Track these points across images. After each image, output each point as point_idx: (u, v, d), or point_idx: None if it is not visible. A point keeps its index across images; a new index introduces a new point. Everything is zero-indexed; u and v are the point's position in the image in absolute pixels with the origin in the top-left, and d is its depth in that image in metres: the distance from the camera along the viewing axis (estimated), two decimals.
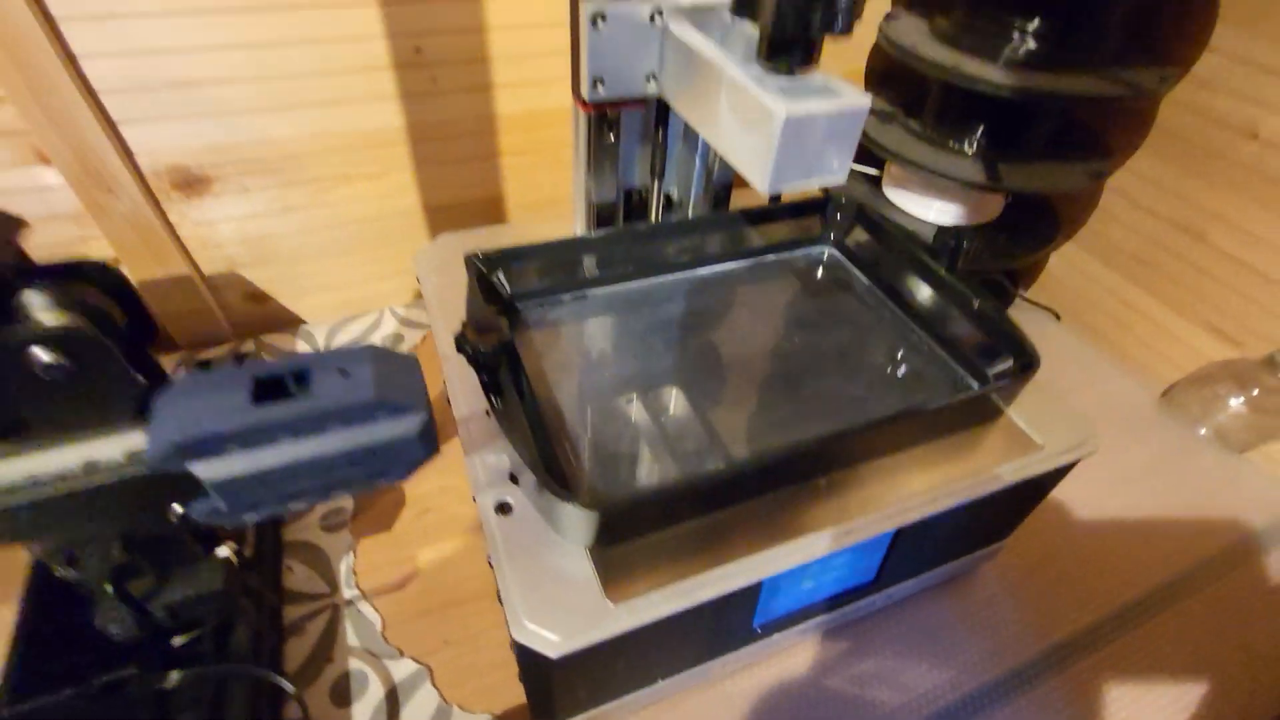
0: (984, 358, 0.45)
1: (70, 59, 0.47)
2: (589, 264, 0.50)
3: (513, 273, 0.47)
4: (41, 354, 0.22)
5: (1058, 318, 0.79)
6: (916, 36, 0.62)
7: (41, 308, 0.23)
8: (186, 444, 0.24)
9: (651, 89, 0.41)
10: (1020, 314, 0.79)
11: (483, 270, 0.45)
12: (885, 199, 0.72)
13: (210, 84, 0.52)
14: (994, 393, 0.41)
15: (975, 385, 0.45)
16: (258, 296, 0.67)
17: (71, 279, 0.25)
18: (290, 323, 0.70)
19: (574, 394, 0.43)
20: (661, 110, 0.45)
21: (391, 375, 0.27)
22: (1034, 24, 0.56)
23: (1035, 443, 0.41)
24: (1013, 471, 0.39)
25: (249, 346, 0.67)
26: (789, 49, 0.30)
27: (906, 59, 0.60)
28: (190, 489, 0.25)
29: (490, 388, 0.37)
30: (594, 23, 0.36)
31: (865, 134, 0.58)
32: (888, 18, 0.68)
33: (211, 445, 0.24)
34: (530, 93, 0.63)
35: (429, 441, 0.28)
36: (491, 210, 0.70)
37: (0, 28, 0.43)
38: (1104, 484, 0.59)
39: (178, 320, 0.64)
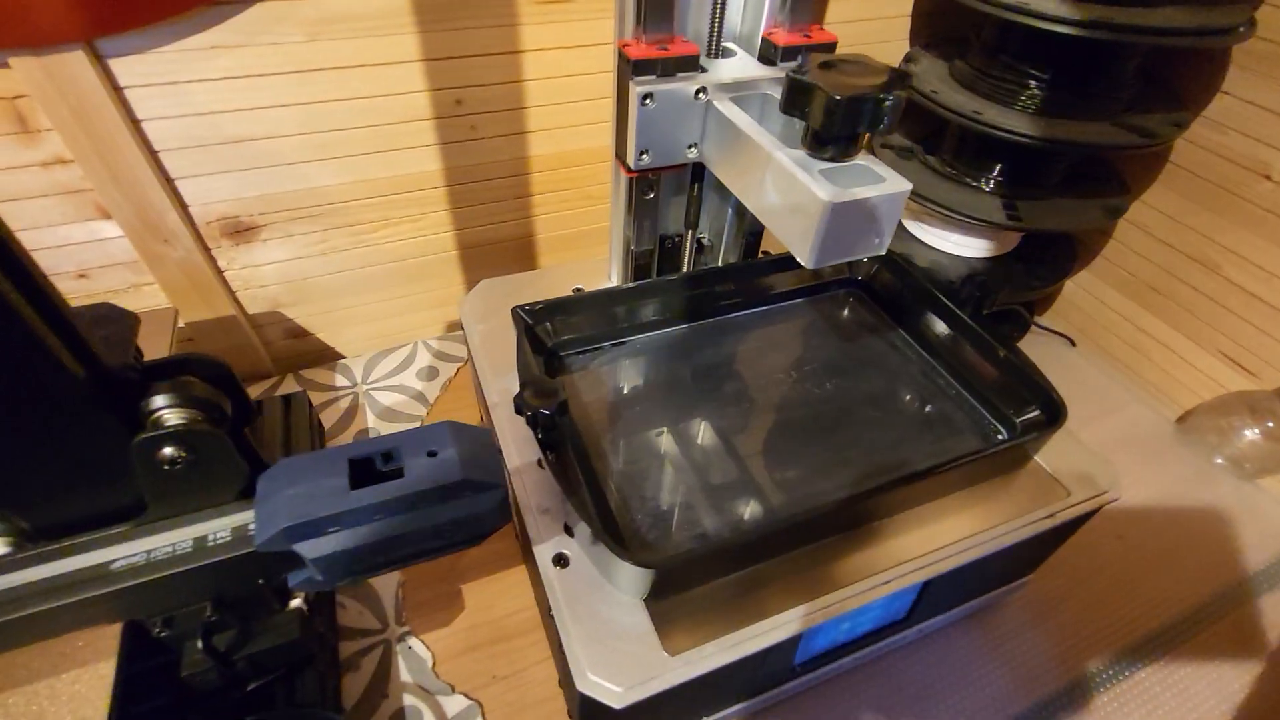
0: (1010, 405, 0.47)
1: (134, 123, 0.49)
2: (627, 313, 0.52)
3: (555, 324, 0.49)
4: (167, 449, 0.25)
5: (1073, 343, 0.80)
6: (936, 81, 0.64)
7: (165, 405, 0.25)
8: (293, 529, 0.26)
9: (692, 154, 0.43)
10: (1036, 339, 0.81)
11: (529, 322, 0.48)
12: (904, 229, 0.74)
13: (261, 139, 0.54)
14: (1025, 443, 0.43)
15: (1003, 432, 0.47)
16: (298, 333, 0.69)
17: (183, 372, 0.27)
18: (329, 356, 0.72)
19: (618, 443, 0.45)
20: (698, 168, 0.47)
21: (474, 453, 0.29)
22: (1050, 74, 0.57)
23: (1062, 488, 0.43)
24: (1040, 520, 0.41)
25: (290, 382, 0.69)
26: (835, 143, 0.32)
27: (925, 102, 0.62)
28: (291, 563, 0.27)
29: (545, 444, 0.39)
30: (643, 101, 0.39)
31: None
32: (907, 59, 0.69)
33: (314, 529, 0.26)
34: (562, 134, 0.65)
35: (505, 513, 0.30)
36: (524, 245, 0.72)
37: (74, 98, 0.46)
38: (1124, 512, 0.61)
39: (224, 358, 0.66)
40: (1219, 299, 0.67)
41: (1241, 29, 0.53)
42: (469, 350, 0.53)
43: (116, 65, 0.47)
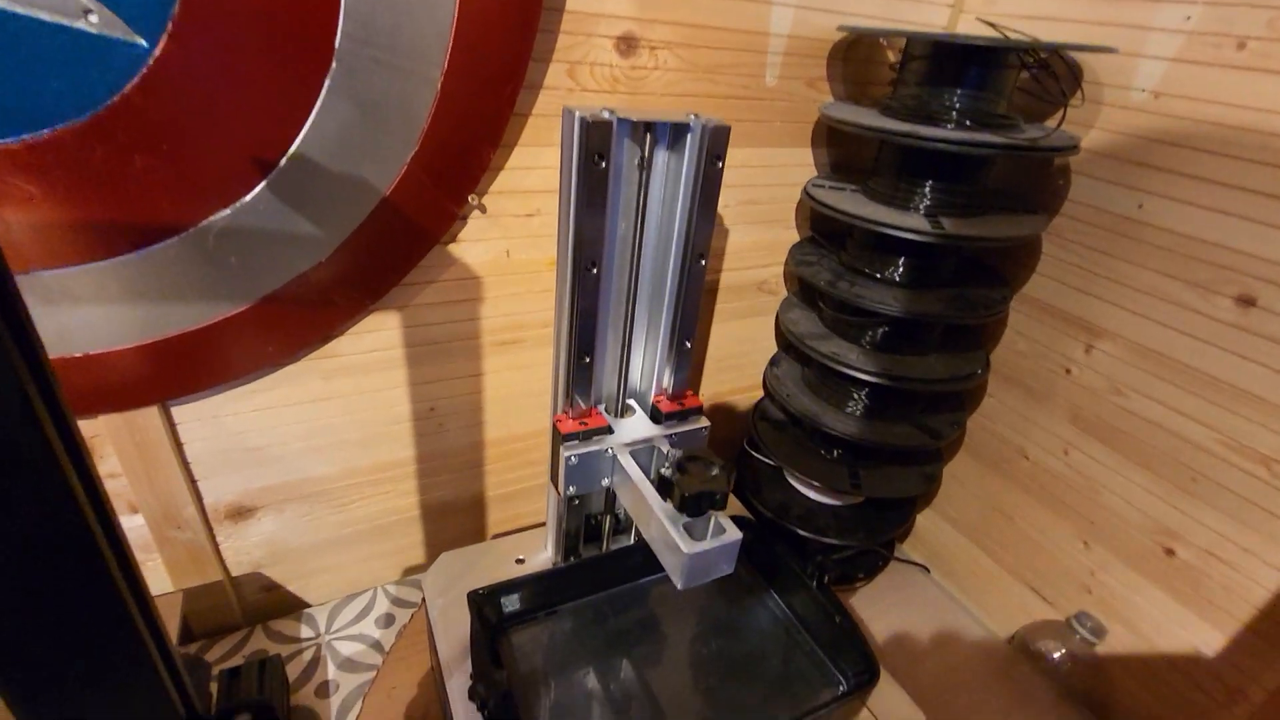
0: (846, 661, 0.62)
1: (178, 445, 0.64)
2: (558, 587, 0.66)
3: (502, 602, 0.63)
4: None
5: (927, 570, 0.99)
6: (791, 385, 0.87)
7: None
8: None
9: (606, 484, 0.61)
10: (897, 568, 0.99)
11: (480, 606, 0.61)
12: (789, 485, 0.94)
13: (273, 445, 0.70)
14: (849, 699, 0.58)
15: (844, 684, 0.62)
16: (271, 587, 0.79)
17: (240, 709, 0.39)
18: (295, 605, 0.82)
19: (549, 701, 0.57)
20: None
21: None
22: (865, 392, 0.81)
23: None
24: None
25: (258, 635, 0.78)
26: (690, 511, 0.50)
27: (786, 405, 0.84)
28: None
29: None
30: (569, 460, 0.57)
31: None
32: (773, 362, 0.94)
33: None
34: (511, 421, 0.83)
35: None
36: (475, 502, 0.87)
37: (139, 437, 0.61)
38: None
39: (200, 615, 0.75)
40: (1016, 542, 0.88)
41: (980, 372, 0.79)
42: (428, 620, 0.65)
43: (177, 411, 0.63)
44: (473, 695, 0.50)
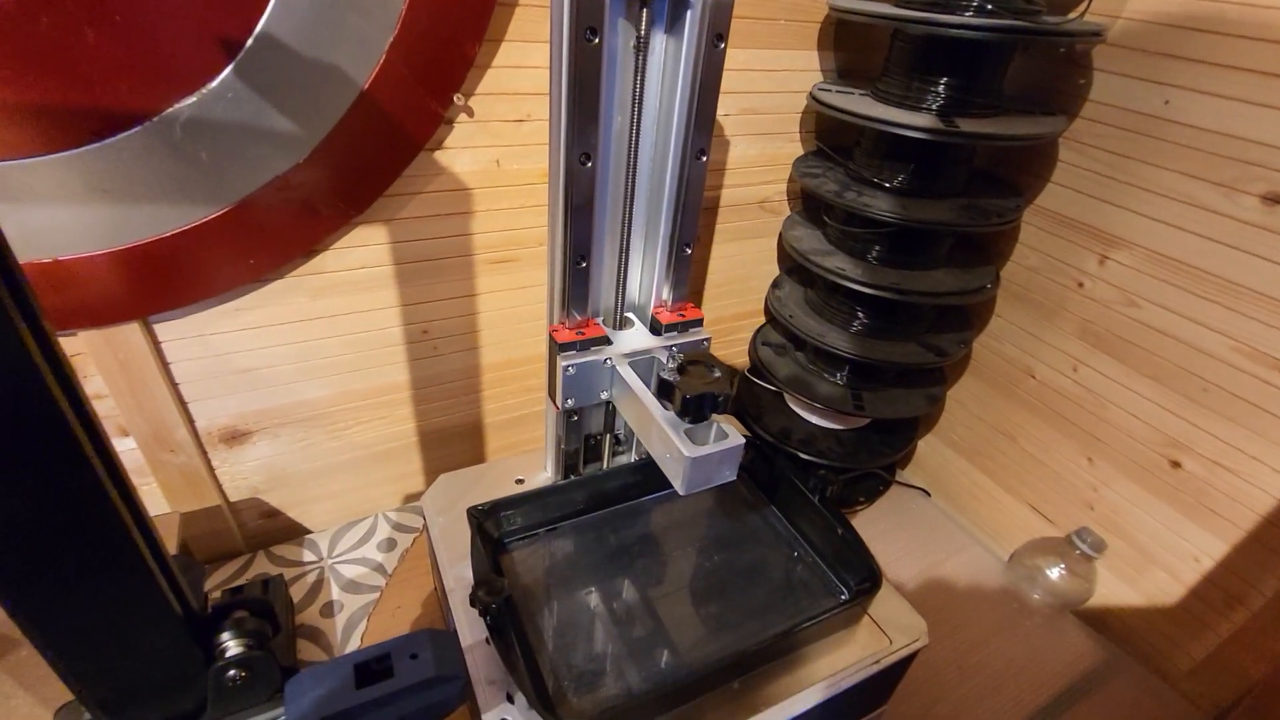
0: (848, 571, 0.62)
1: (164, 365, 0.62)
2: (558, 504, 0.65)
3: (501, 519, 0.62)
4: (232, 671, 0.36)
5: (928, 494, 0.99)
6: (794, 306, 0.85)
7: (229, 638, 0.36)
8: None
9: (604, 396, 0.59)
10: (899, 492, 0.99)
11: (479, 520, 0.61)
12: (790, 409, 0.93)
13: (264, 368, 0.68)
14: (858, 604, 0.58)
15: (845, 592, 0.62)
16: (270, 514, 0.79)
17: (237, 607, 0.39)
18: (296, 532, 0.82)
19: (551, 617, 0.57)
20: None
21: (442, 653, 0.41)
22: (869, 310, 0.79)
23: (886, 638, 0.58)
24: (868, 665, 0.55)
25: (260, 561, 0.78)
26: (692, 416, 0.49)
27: (787, 323, 0.82)
28: None
29: (493, 629, 0.51)
30: (566, 370, 0.55)
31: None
32: (775, 285, 0.91)
33: None
34: (508, 346, 0.81)
35: (463, 695, 0.42)
36: (473, 429, 0.86)
37: (122, 355, 0.59)
38: (965, 643, 0.76)
39: (201, 540, 0.75)
40: (1019, 462, 0.87)
41: (989, 286, 0.76)
42: (429, 539, 0.65)
43: (160, 328, 0.60)
44: (474, 602, 0.50)
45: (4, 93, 0.39)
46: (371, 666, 0.40)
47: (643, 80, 0.49)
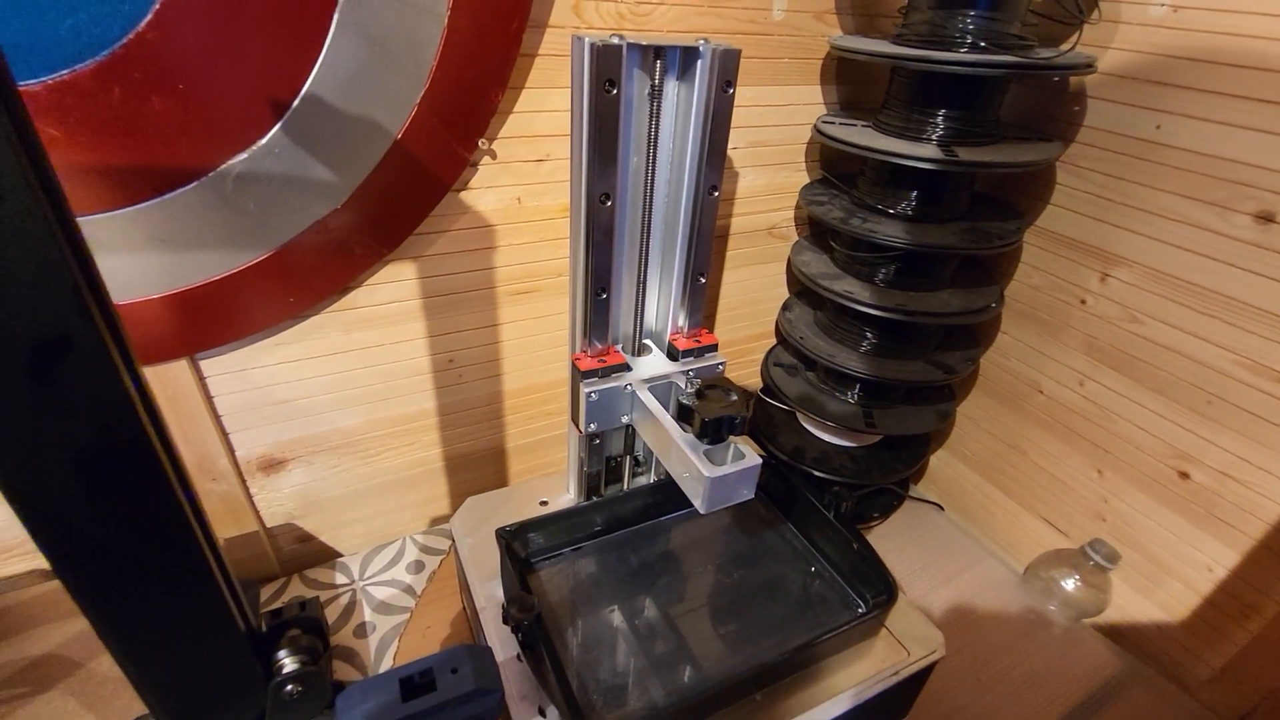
0: (864, 585, 0.64)
1: (208, 398, 0.66)
2: (582, 524, 0.68)
3: (528, 539, 0.65)
4: (288, 686, 0.38)
5: (941, 509, 1.00)
6: (804, 328, 0.88)
7: (285, 655, 0.39)
8: None
9: (625, 420, 0.62)
10: (912, 506, 1.00)
11: (508, 541, 0.63)
12: (803, 428, 0.95)
13: (300, 399, 0.71)
14: (875, 616, 0.59)
15: (862, 605, 0.63)
16: (305, 538, 0.82)
17: (291, 625, 0.42)
18: (328, 555, 0.85)
19: (579, 633, 0.59)
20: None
21: (480, 667, 0.44)
22: (876, 331, 0.81)
23: (904, 650, 0.60)
24: (888, 677, 0.57)
25: (295, 584, 0.81)
26: (711, 438, 0.51)
27: (798, 344, 0.85)
28: None
29: (524, 645, 0.54)
30: (589, 397, 0.58)
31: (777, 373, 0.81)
32: (785, 307, 0.94)
33: None
34: (528, 372, 0.84)
35: (501, 707, 0.44)
36: (496, 453, 0.89)
37: (170, 390, 0.62)
38: (983, 655, 0.77)
39: (239, 565, 0.78)
40: (1030, 475, 0.89)
41: (994, 305, 0.78)
42: (458, 559, 0.68)
43: (205, 364, 0.64)
44: (506, 619, 0.52)
45: (81, 156, 0.43)
46: (415, 680, 0.42)
47: (657, 125, 0.53)
